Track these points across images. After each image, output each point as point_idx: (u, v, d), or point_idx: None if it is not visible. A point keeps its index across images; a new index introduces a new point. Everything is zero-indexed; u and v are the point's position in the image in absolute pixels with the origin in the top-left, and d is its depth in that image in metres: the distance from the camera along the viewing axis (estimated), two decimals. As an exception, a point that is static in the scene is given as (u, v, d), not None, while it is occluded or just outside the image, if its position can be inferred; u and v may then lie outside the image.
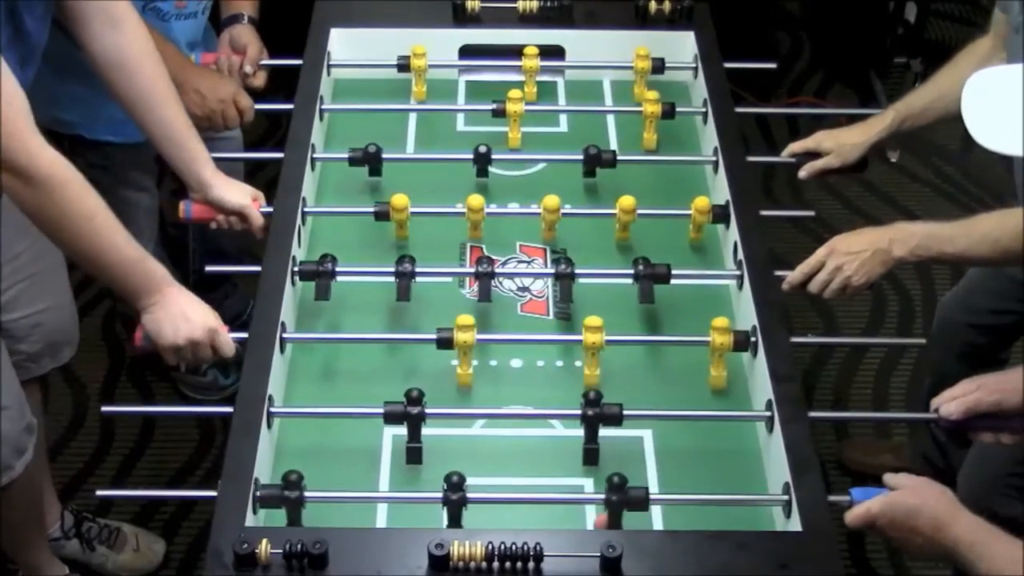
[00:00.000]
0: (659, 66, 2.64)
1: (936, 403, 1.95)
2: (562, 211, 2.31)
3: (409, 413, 1.91)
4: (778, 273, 2.20)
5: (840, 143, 2.45)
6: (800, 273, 2.18)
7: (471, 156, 2.41)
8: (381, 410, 1.96)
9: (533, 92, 2.64)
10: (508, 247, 2.33)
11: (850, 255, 2.14)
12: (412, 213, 2.30)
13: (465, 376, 2.08)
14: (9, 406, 2.32)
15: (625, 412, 1.95)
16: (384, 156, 2.42)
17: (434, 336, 2.05)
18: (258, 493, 1.80)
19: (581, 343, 2.06)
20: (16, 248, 2.33)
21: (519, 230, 2.36)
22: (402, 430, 1.96)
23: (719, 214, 2.31)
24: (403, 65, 2.63)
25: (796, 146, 2.49)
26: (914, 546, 1.74)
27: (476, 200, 2.30)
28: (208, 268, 2.40)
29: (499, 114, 2.53)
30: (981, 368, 2.58)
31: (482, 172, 2.42)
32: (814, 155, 2.47)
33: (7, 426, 2.33)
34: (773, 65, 2.74)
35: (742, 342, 2.06)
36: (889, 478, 1.77)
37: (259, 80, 2.69)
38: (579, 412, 1.95)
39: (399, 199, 2.28)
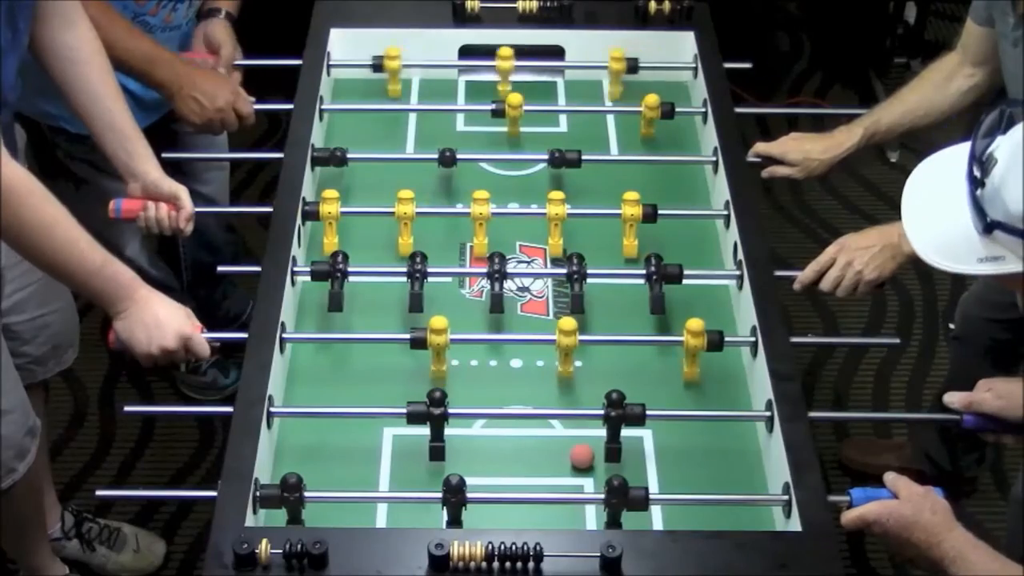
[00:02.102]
0: (633, 66, 2.64)
1: (948, 399, 1.96)
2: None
3: (432, 414, 1.91)
4: (778, 273, 2.20)
5: (806, 156, 2.44)
6: (811, 271, 2.19)
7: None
8: (381, 410, 1.96)
9: (508, 91, 2.64)
10: (508, 247, 2.33)
11: (860, 250, 2.15)
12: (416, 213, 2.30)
13: (440, 372, 2.08)
14: (12, 409, 2.32)
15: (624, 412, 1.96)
16: (377, 157, 2.43)
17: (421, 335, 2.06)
18: (258, 493, 1.80)
19: (581, 343, 2.06)
20: None
21: (519, 230, 2.36)
22: (402, 430, 1.97)
23: (648, 214, 2.30)
24: (378, 65, 2.62)
25: (762, 148, 2.48)
26: (908, 555, 1.74)
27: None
28: (220, 269, 2.39)
29: (499, 114, 2.52)
30: (1004, 364, 2.58)
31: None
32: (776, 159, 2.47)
33: (10, 429, 2.33)
34: (748, 64, 2.72)
35: (716, 342, 2.07)
36: (889, 481, 1.77)
37: (234, 80, 2.66)
38: (584, 412, 1.98)
39: (329, 192, 2.28)
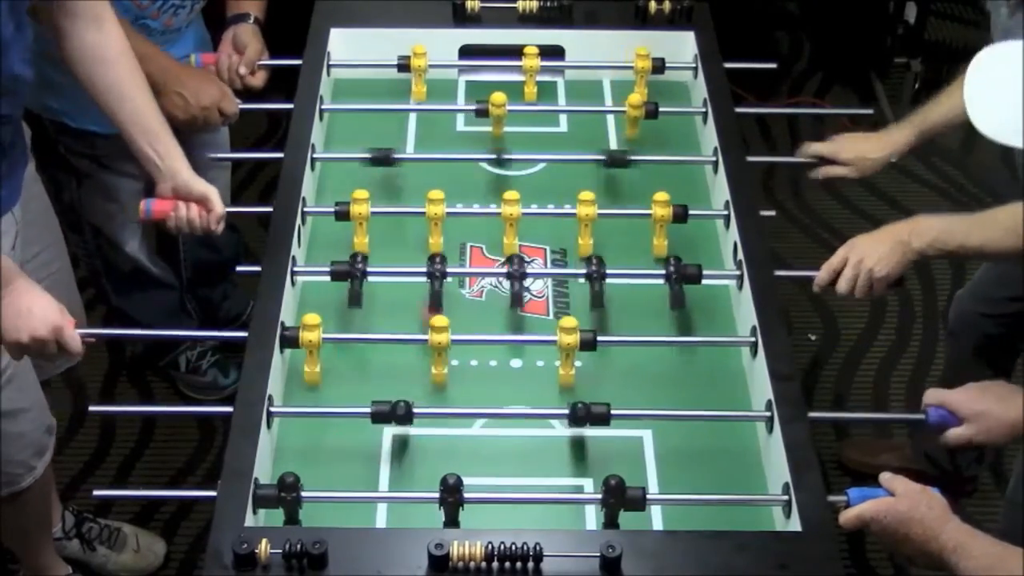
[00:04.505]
0: (659, 66, 2.63)
1: (928, 401, 1.96)
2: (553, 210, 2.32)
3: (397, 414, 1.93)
4: (778, 273, 2.20)
5: (860, 155, 2.43)
6: (826, 272, 2.18)
7: (474, 156, 2.44)
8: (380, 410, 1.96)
9: (533, 92, 2.64)
10: (509, 247, 2.33)
11: (871, 250, 2.15)
12: (415, 213, 2.30)
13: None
14: (31, 407, 2.33)
15: (624, 412, 1.97)
16: (396, 156, 2.44)
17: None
18: (257, 493, 1.80)
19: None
20: (35, 248, 2.34)
21: (519, 230, 2.36)
22: (402, 430, 1.98)
23: (679, 214, 2.30)
24: (403, 65, 2.63)
25: (815, 149, 2.48)
26: (906, 552, 1.74)
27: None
28: (239, 268, 2.38)
29: (482, 114, 2.52)
30: (998, 360, 2.59)
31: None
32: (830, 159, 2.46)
33: (30, 426, 2.34)
34: (773, 65, 2.73)
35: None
36: (885, 480, 1.77)
37: (258, 80, 2.68)
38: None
39: (360, 193, 2.28)
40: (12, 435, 2.32)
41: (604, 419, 1.94)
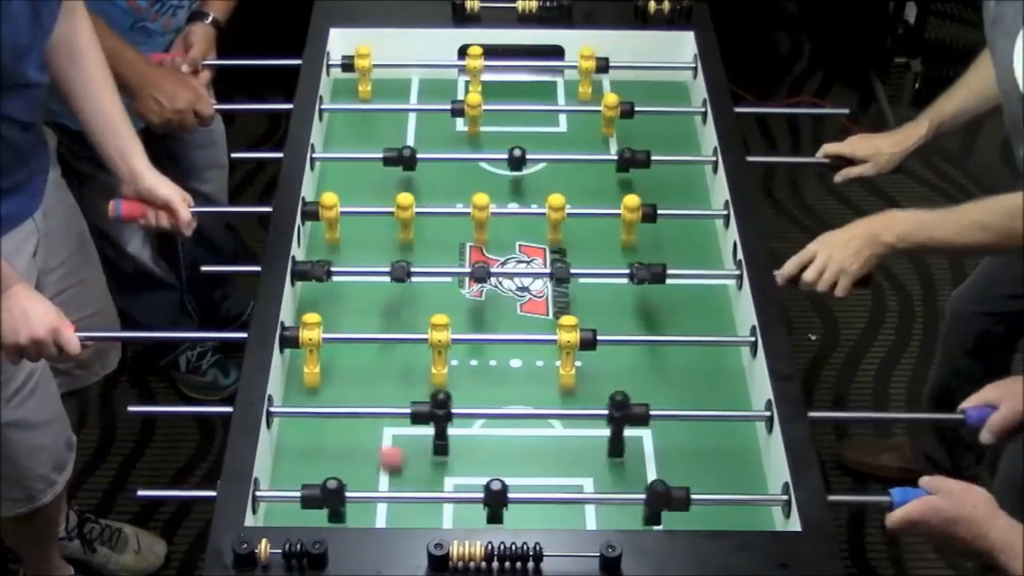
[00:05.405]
0: (603, 66, 2.63)
1: (965, 406, 1.94)
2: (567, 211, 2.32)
3: (436, 414, 1.92)
4: (778, 273, 2.20)
5: (876, 151, 2.44)
6: (792, 264, 2.17)
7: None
8: (381, 410, 1.97)
9: (478, 92, 2.63)
10: (508, 247, 2.33)
11: (840, 244, 2.14)
12: (416, 213, 2.30)
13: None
14: (52, 420, 2.33)
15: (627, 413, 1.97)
16: (445, 157, 2.47)
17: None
18: (301, 494, 1.80)
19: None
20: (62, 255, 2.34)
21: (519, 230, 2.36)
22: (402, 430, 1.98)
23: (648, 214, 2.30)
24: (347, 65, 2.62)
25: (830, 148, 2.48)
26: (954, 550, 1.73)
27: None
28: (204, 268, 2.39)
29: (458, 114, 2.53)
30: (995, 358, 2.58)
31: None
32: (847, 158, 2.46)
33: (50, 440, 2.34)
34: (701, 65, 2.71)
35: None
36: (926, 481, 1.75)
37: (201, 80, 2.65)
38: (584, 412, 2.00)
39: (328, 197, 2.28)
40: (33, 448, 2.32)
41: (643, 419, 1.94)
